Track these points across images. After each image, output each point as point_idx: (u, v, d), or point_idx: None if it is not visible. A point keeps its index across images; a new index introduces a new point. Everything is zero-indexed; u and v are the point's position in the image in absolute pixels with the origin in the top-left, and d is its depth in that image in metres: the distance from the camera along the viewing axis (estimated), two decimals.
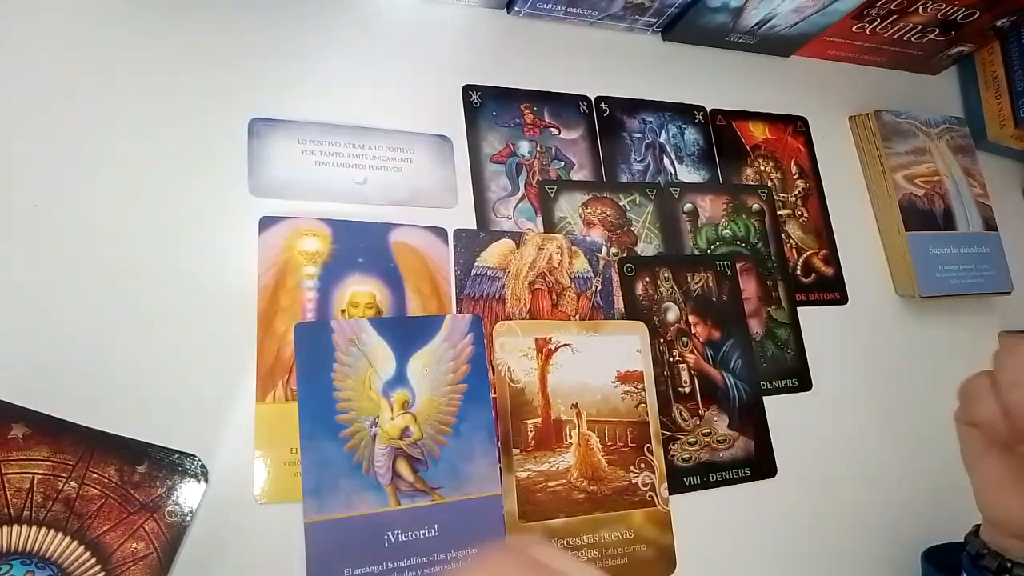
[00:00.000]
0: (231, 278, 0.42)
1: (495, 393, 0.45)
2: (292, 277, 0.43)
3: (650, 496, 0.46)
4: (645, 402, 0.48)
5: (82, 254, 0.40)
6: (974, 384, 0.39)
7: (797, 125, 0.63)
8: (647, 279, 0.52)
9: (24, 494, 0.35)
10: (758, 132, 0.61)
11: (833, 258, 0.60)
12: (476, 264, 0.47)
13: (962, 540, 0.43)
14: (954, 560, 0.45)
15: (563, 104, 0.55)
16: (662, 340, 0.51)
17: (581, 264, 0.50)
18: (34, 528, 0.34)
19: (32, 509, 0.35)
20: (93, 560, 0.35)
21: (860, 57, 0.68)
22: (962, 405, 0.40)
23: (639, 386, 0.48)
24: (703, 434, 0.50)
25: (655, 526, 0.46)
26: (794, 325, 0.56)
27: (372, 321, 0.43)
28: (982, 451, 0.40)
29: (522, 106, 0.53)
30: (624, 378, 0.48)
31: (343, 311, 0.43)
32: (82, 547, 0.35)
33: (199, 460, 0.38)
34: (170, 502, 0.37)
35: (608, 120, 0.56)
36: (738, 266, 0.55)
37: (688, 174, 0.57)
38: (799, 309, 0.57)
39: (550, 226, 0.51)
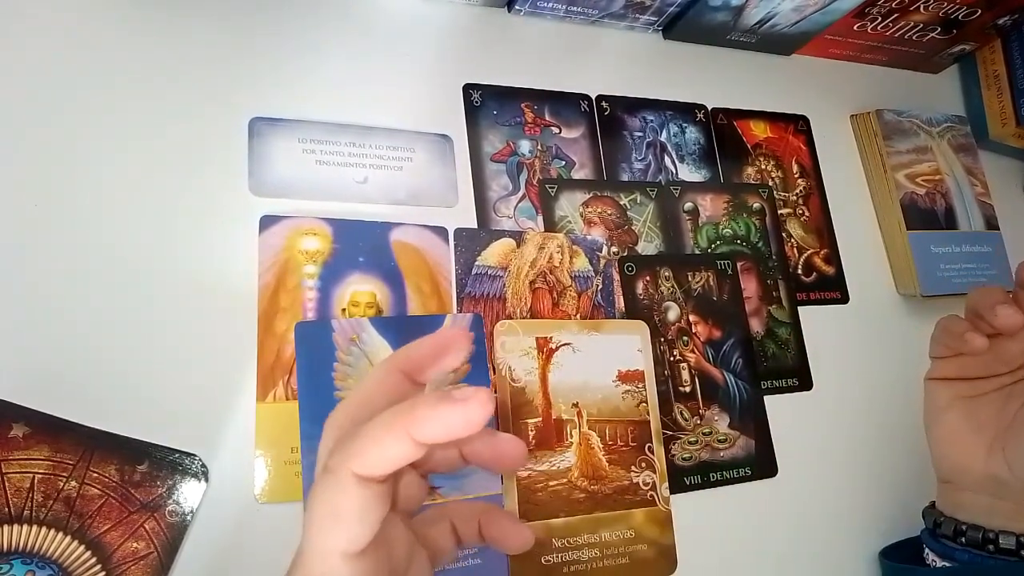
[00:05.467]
0: (231, 278, 0.42)
1: (496, 392, 0.45)
2: (292, 276, 0.43)
3: (651, 496, 0.46)
4: (646, 401, 0.48)
5: (82, 253, 0.40)
6: (950, 321, 0.41)
7: (798, 124, 0.63)
8: (648, 278, 0.52)
9: (25, 493, 0.35)
10: (759, 131, 0.61)
11: (834, 257, 0.60)
12: (477, 263, 0.47)
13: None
14: (915, 553, 0.45)
15: (564, 103, 0.55)
16: (663, 339, 0.51)
17: (582, 263, 0.50)
18: (35, 528, 0.34)
19: (33, 509, 0.35)
20: (93, 560, 0.35)
21: (861, 56, 0.68)
22: (941, 342, 0.42)
23: (640, 385, 0.48)
24: (704, 433, 0.50)
25: (656, 526, 0.46)
26: (795, 324, 0.56)
27: (373, 320, 0.43)
28: (946, 404, 0.42)
29: (523, 105, 0.53)
30: (625, 377, 0.48)
31: (344, 310, 0.43)
32: (83, 547, 0.35)
33: (200, 460, 0.38)
34: (171, 502, 0.37)
35: (609, 119, 0.56)
36: (739, 265, 0.55)
37: (689, 173, 0.57)
38: (800, 308, 0.57)
39: (551, 225, 0.51)
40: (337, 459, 0.23)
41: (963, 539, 0.41)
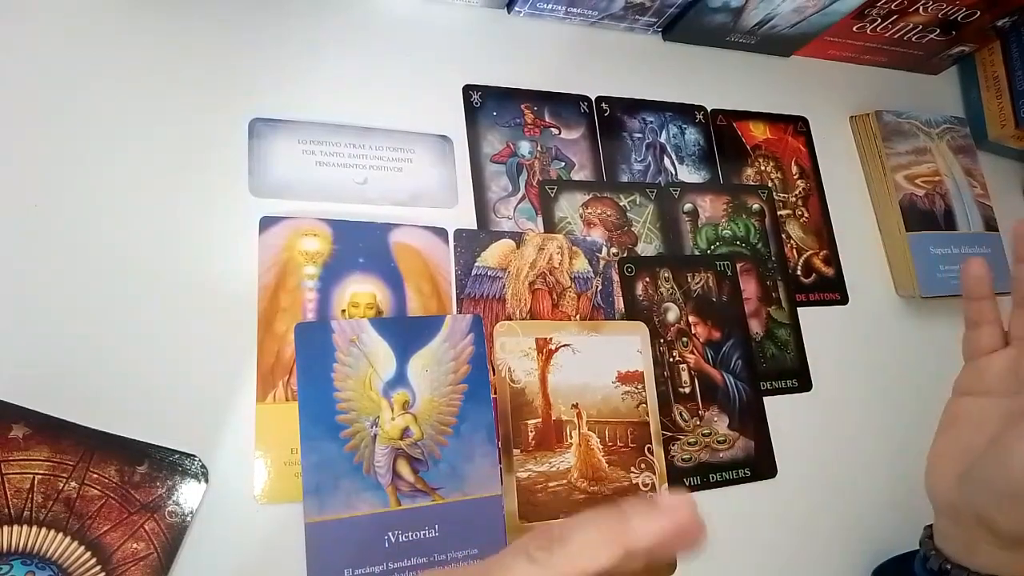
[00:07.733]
0: (231, 278, 0.42)
1: (495, 393, 0.45)
2: (292, 277, 0.43)
3: (650, 496, 0.46)
4: (645, 402, 0.48)
5: (82, 254, 0.40)
6: None
7: (798, 125, 0.63)
8: (647, 279, 0.52)
9: (24, 494, 0.35)
10: (759, 132, 0.61)
11: (833, 258, 0.60)
12: (476, 264, 0.47)
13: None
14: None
15: (563, 104, 0.55)
16: (662, 340, 0.51)
17: (581, 264, 0.50)
18: (34, 528, 0.34)
19: (32, 509, 0.35)
20: (93, 560, 0.35)
21: (861, 57, 0.68)
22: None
23: (639, 386, 0.48)
24: (703, 434, 0.50)
25: None
26: (794, 325, 0.56)
27: (372, 321, 0.43)
28: (949, 423, 0.41)
29: (522, 106, 0.53)
30: (624, 378, 0.48)
31: (343, 311, 0.43)
32: (82, 547, 0.35)
33: (199, 460, 0.38)
34: (170, 502, 0.37)
35: (608, 120, 0.56)
36: (738, 266, 0.55)
37: (688, 174, 0.57)
38: (799, 309, 0.57)
39: (550, 226, 0.51)
40: (543, 554, 0.23)
41: None
